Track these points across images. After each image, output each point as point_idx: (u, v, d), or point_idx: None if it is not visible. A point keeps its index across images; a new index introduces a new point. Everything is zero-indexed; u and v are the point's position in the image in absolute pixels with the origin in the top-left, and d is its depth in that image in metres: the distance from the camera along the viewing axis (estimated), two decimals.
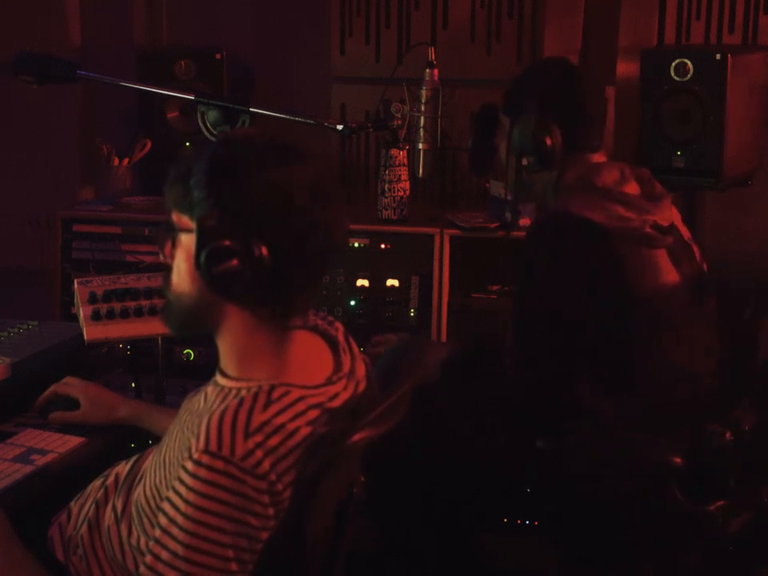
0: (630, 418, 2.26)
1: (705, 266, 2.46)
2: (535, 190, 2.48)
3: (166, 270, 1.62)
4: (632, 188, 2.36)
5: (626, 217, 2.28)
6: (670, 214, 2.40)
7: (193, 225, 1.52)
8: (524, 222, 3.22)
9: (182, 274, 1.58)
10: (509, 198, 2.60)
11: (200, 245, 1.50)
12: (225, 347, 1.62)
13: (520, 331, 2.34)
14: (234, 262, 1.49)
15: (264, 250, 1.49)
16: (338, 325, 1.74)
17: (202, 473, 1.46)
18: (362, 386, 1.67)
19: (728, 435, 2.19)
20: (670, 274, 2.35)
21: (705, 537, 2.24)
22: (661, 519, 2.22)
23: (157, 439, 1.84)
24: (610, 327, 2.26)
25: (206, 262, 1.50)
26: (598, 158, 2.43)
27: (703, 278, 2.43)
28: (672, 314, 2.33)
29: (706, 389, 2.36)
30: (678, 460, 2.16)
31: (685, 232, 2.45)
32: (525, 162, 2.39)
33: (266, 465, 1.46)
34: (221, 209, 1.50)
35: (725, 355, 2.45)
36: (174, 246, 1.59)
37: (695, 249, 2.46)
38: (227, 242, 1.49)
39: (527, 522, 2.44)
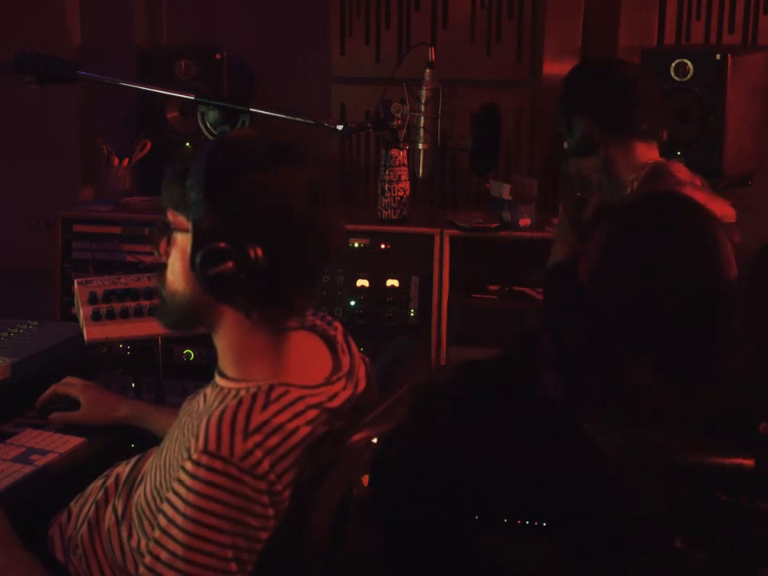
0: (699, 413, 2.26)
1: None
2: (583, 175, 2.48)
3: (161, 267, 1.62)
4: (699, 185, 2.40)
5: (717, 202, 2.32)
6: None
7: (189, 225, 1.53)
8: (524, 222, 3.23)
9: (176, 273, 1.58)
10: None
11: (195, 246, 1.50)
12: (222, 347, 1.62)
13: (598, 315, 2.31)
14: (229, 264, 1.49)
15: (260, 253, 1.49)
16: (337, 324, 1.74)
17: (201, 473, 1.45)
18: (361, 386, 1.67)
19: None
20: (735, 268, 2.38)
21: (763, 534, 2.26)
22: (694, 519, 2.24)
23: (157, 439, 1.84)
24: (701, 312, 2.27)
25: (201, 264, 1.50)
26: (645, 146, 2.44)
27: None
28: (737, 308, 2.35)
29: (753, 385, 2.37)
30: (751, 462, 2.17)
31: None
32: (565, 145, 2.41)
33: (266, 465, 1.46)
34: (217, 211, 1.50)
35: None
36: (169, 244, 1.59)
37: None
38: (222, 245, 1.48)
39: (527, 522, 2.44)
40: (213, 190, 1.50)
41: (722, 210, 2.38)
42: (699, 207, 2.31)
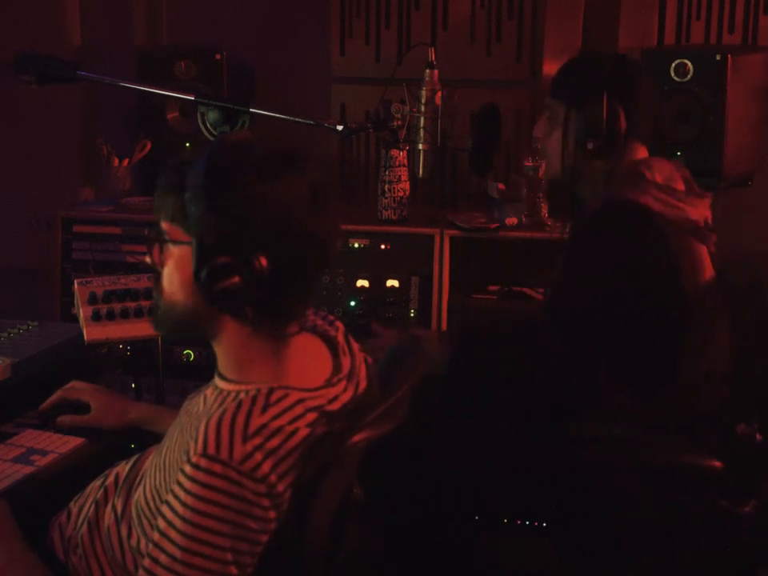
0: (665, 418, 2.26)
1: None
2: (587, 177, 2.47)
3: (156, 274, 1.61)
4: (679, 185, 2.38)
5: (681, 207, 2.30)
6: (710, 213, 2.43)
7: (187, 237, 1.52)
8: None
9: (174, 284, 1.58)
10: (560, 185, 2.59)
11: (201, 262, 1.49)
12: (222, 353, 1.62)
13: (563, 321, 2.32)
14: (237, 278, 1.48)
15: (264, 264, 1.48)
16: (339, 324, 1.74)
17: (201, 476, 1.45)
18: (362, 387, 1.67)
19: (758, 437, 2.20)
20: (710, 272, 2.36)
21: (742, 537, 2.25)
22: (694, 521, 2.23)
23: (158, 439, 1.84)
24: (657, 319, 2.26)
25: (207, 280, 1.49)
26: (644, 149, 2.43)
27: (722, 279, 2.45)
28: (712, 314, 2.34)
29: (731, 389, 2.36)
30: (719, 464, 2.16)
31: None
32: (590, 146, 2.38)
33: (266, 467, 1.46)
34: (220, 225, 1.49)
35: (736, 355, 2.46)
36: (162, 252, 1.58)
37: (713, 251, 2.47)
38: (229, 259, 1.48)
39: (527, 522, 2.44)
40: (215, 204, 1.49)
41: (697, 212, 2.35)
42: (649, 216, 2.27)
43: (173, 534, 1.47)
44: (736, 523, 2.23)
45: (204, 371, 1.74)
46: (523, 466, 2.33)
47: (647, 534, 2.26)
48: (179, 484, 1.48)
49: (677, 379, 2.28)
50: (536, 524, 2.43)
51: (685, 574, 2.32)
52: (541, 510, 2.42)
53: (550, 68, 3.46)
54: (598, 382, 2.26)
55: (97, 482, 1.82)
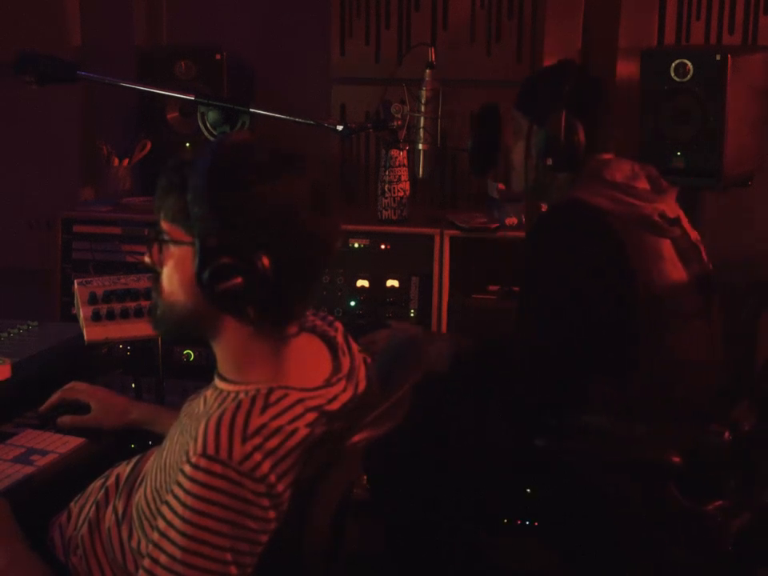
0: (631, 414, 2.26)
1: (710, 267, 2.47)
2: (551, 188, 2.48)
3: (154, 273, 1.61)
4: (642, 184, 2.38)
5: (632, 203, 2.31)
6: (676, 208, 2.42)
7: (188, 238, 1.52)
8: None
9: (174, 285, 1.58)
10: (525, 196, 2.61)
11: (203, 263, 1.49)
12: (222, 353, 1.62)
13: (526, 321, 2.33)
14: (239, 279, 1.49)
15: (267, 265, 1.49)
16: (338, 325, 1.74)
17: (200, 476, 1.45)
18: (361, 387, 1.67)
19: (726, 435, 2.19)
20: (676, 268, 2.36)
21: (703, 536, 2.24)
22: (660, 518, 2.23)
23: (158, 440, 1.84)
24: (613, 313, 2.26)
25: (209, 280, 1.49)
26: (608, 156, 2.44)
27: (710, 279, 2.44)
28: (677, 309, 2.33)
29: (707, 387, 2.36)
30: (677, 459, 2.16)
31: (692, 233, 2.47)
32: (549, 161, 2.39)
33: (266, 467, 1.46)
34: (222, 226, 1.49)
35: (726, 355, 2.46)
36: (161, 252, 1.58)
37: (702, 249, 2.46)
38: (231, 260, 1.48)
39: (527, 523, 2.44)
40: (217, 205, 1.49)
41: (651, 207, 2.35)
42: (595, 212, 2.28)
43: (172, 534, 1.47)
44: (697, 522, 2.23)
45: (204, 371, 1.74)
46: (523, 466, 2.34)
47: (639, 532, 2.25)
48: (179, 484, 1.48)
49: (639, 370, 2.28)
50: (536, 524, 2.43)
51: (684, 574, 2.32)
52: (541, 510, 2.42)
53: None
54: (571, 376, 2.27)
55: (97, 483, 1.82)
